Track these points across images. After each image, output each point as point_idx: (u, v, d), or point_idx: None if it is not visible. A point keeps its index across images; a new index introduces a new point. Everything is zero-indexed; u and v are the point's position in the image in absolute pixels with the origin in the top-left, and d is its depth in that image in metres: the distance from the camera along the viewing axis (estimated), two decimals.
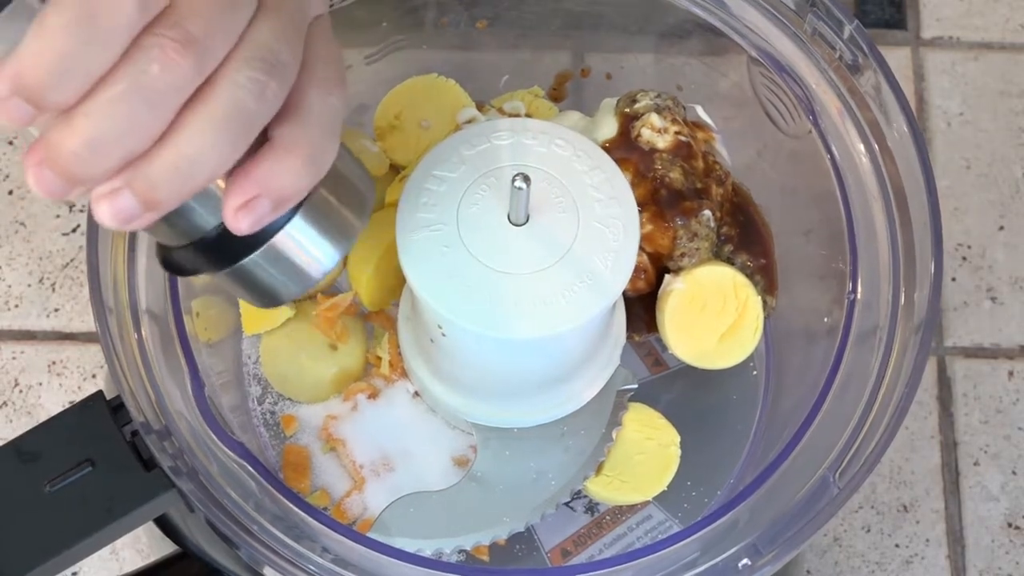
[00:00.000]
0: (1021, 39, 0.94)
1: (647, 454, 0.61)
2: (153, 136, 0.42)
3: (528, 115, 0.68)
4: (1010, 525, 0.82)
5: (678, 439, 0.62)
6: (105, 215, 0.42)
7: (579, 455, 0.61)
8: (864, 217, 0.61)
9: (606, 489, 0.61)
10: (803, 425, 0.57)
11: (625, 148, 0.62)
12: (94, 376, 0.82)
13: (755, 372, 0.67)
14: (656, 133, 0.62)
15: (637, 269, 0.60)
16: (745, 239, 0.65)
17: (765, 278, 0.64)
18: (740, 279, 0.62)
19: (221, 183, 0.45)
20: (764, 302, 0.63)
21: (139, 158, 0.42)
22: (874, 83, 0.61)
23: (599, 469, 0.61)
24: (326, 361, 0.63)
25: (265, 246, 0.47)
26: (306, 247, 0.48)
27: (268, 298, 0.49)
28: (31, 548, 0.53)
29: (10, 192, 0.86)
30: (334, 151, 0.46)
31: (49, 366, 0.82)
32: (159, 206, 0.43)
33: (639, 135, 0.62)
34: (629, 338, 0.63)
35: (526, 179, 0.53)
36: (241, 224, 0.44)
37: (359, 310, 0.65)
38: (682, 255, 0.62)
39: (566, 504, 0.62)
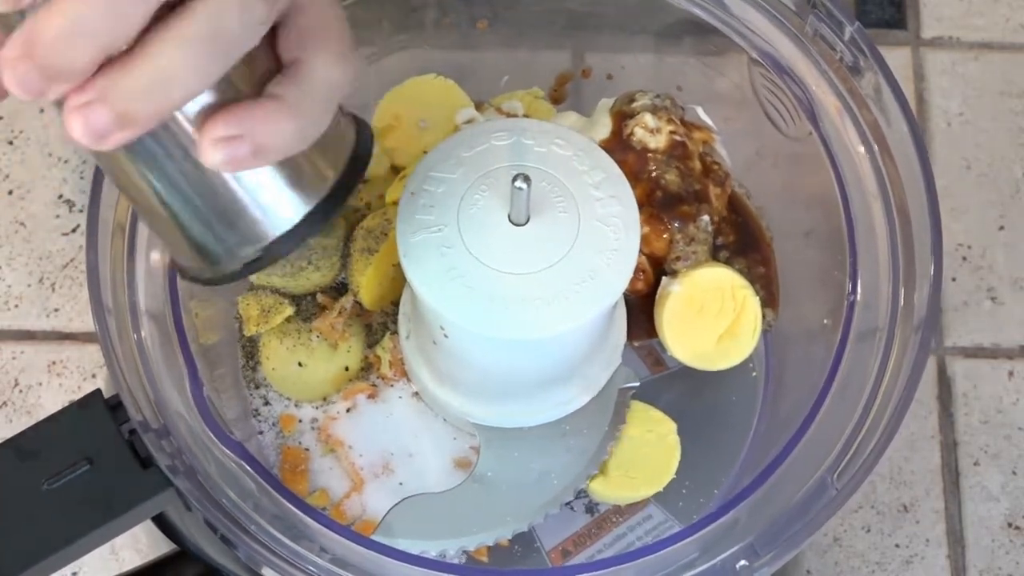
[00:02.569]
0: (1021, 39, 0.94)
1: (651, 447, 0.61)
2: (129, 33, 0.41)
3: (526, 116, 0.68)
4: (1010, 525, 0.82)
5: (674, 427, 0.62)
6: (78, 129, 0.42)
7: (582, 454, 0.60)
8: (864, 218, 0.61)
9: (614, 488, 0.61)
10: (802, 426, 0.57)
11: (619, 148, 0.62)
12: (94, 376, 0.82)
13: (754, 373, 0.67)
14: (649, 133, 0.62)
15: (636, 270, 0.60)
16: (743, 248, 0.65)
17: (764, 289, 0.64)
18: (738, 280, 0.62)
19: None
20: (763, 315, 0.63)
21: (115, 69, 0.41)
22: (874, 84, 0.61)
23: (603, 468, 0.61)
24: (325, 361, 0.63)
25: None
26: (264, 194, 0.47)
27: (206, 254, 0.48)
28: (29, 546, 0.53)
29: (10, 192, 0.86)
30: (326, 124, 0.46)
31: (49, 366, 0.82)
32: (132, 123, 0.42)
33: (632, 134, 0.62)
34: (628, 343, 0.63)
35: (527, 179, 0.53)
36: (213, 156, 0.44)
37: (359, 310, 0.65)
38: (678, 258, 0.62)
39: (567, 504, 0.62)
